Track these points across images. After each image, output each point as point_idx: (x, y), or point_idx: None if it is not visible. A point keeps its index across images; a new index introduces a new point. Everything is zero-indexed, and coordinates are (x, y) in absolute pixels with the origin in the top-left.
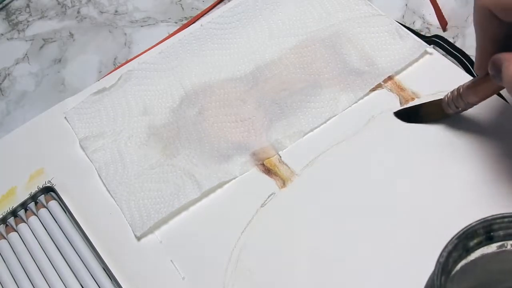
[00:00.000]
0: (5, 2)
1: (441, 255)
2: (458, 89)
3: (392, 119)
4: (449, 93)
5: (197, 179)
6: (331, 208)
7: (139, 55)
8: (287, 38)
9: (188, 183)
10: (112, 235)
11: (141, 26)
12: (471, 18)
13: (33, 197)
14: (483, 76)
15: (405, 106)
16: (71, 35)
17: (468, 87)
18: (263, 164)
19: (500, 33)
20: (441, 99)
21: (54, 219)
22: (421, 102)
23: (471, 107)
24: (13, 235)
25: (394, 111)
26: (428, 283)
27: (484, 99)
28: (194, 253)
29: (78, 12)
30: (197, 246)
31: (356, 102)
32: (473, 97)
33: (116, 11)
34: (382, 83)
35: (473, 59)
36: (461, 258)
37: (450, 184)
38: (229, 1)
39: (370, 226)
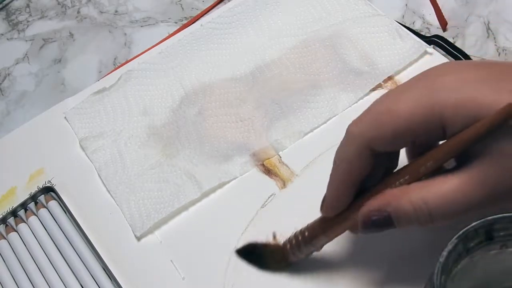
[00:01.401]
0: (5, 2)
1: (441, 254)
2: (302, 233)
3: None
4: (290, 241)
5: (197, 179)
6: None
7: (139, 55)
8: (287, 38)
9: (188, 183)
10: (112, 235)
11: (141, 26)
12: (471, 18)
13: (33, 197)
14: (334, 216)
15: (246, 244)
16: (71, 35)
17: (315, 231)
18: (263, 165)
19: (369, 168)
20: (280, 245)
21: (54, 219)
22: (261, 243)
23: (319, 250)
24: (13, 235)
25: (236, 249)
26: (428, 283)
27: (334, 238)
28: (194, 253)
29: (78, 12)
30: (197, 246)
31: (356, 102)
32: (324, 239)
33: (116, 11)
34: (382, 83)
35: (473, 59)
36: (461, 258)
37: None
38: (229, 1)
39: None
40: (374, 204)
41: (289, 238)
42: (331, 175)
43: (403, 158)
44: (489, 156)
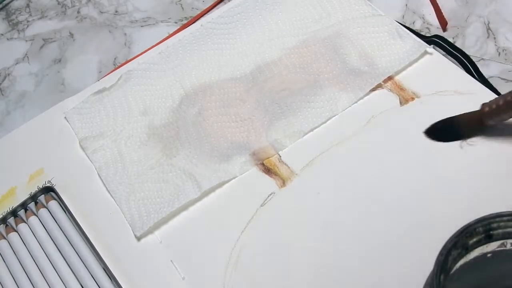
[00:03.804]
0: (5, 2)
1: (440, 253)
2: (505, 97)
3: (392, 119)
4: (490, 104)
5: (197, 179)
6: (330, 208)
7: (139, 55)
8: (287, 38)
9: (188, 183)
10: (112, 235)
11: (141, 26)
12: (471, 18)
13: (33, 197)
14: None
15: (435, 122)
16: (71, 35)
17: None
18: (263, 164)
19: None
20: (479, 110)
21: (54, 219)
22: (453, 116)
23: None
24: (13, 235)
25: (424, 130)
26: (428, 282)
27: None
28: (194, 253)
29: (78, 12)
30: (197, 246)
31: (356, 102)
32: None
33: (116, 11)
34: (382, 83)
35: (473, 59)
36: (460, 256)
37: (450, 183)
38: (229, 1)
39: (369, 225)
40: None
41: (488, 102)
42: None
43: None
44: None
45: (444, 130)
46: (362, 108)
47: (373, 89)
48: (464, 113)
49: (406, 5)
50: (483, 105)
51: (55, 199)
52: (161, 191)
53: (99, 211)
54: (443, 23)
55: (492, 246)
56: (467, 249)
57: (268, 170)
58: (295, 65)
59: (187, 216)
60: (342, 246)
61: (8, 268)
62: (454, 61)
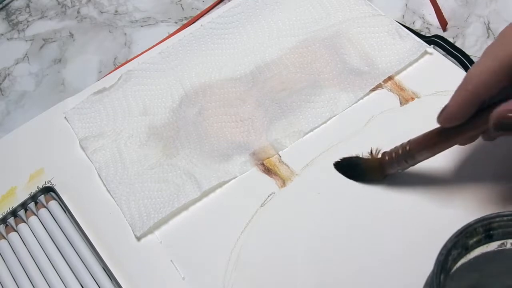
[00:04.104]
0: (5, 2)
1: (440, 253)
2: (403, 147)
3: (392, 119)
4: (389, 153)
5: (197, 179)
6: (330, 208)
7: (139, 55)
8: (287, 38)
9: (188, 183)
10: (112, 235)
11: (141, 26)
12: (471, 18)
13: (33, 197)
14: (442, 130)
15: (344, 157)
16: (71, 35)
17: (421, 142)
18: (263, 164)
19: (499, 88)
20: (379, 158)
21: (54, 219)
22: (359, 157)
23: (414, 165)
24: (13, 235)
25: (333, 162)
26: (428, 281)
27: (438, 153)
28: (194, 253)
29: (78, 12)
30: (197, 246)
31: (356, 102)
32: (427, 154)
33: (116, 11)
34: (382, 83)
35: (473, 59)
36: (460, 256)
37: (449, 183)
38: (229, 1)
39: (369, 225)
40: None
41: (389, 151)
42: (458, 88)
43: None
44: None
45: (349, 169)
46: (362, 108)
47: (373, 89)
48: (368, 159)
49: (406, 5)
50: (383, 153)
51: (55, 199)
52: (161, 191)
53: (99, 211)
54: (443, 23)
55: (492, 246)
56: (467, 249)
57: (268, 170)
58: (295, 65)
59: (187, 216)
60: (342, 246)
61: (8, 268)
62: (454, 61)
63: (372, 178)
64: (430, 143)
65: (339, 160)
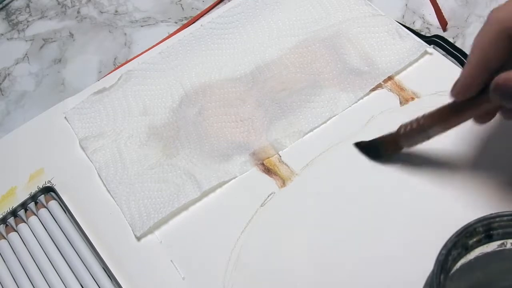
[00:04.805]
0: (5, 2)
1: (440, 253)
2: (417, 121)
3: (392, 119)
4: (405, 126)
5: (197, 179)
6: (331, 208)
7: (139, 55)
8: (287, 38)
9: (188, 183)
10: (112, 235)
11: (141, 26)
12: (471, 18)
13: (33, 197)
14: (455, 104)
15: (365, 140)
16: (71, 35)
17: (435, 117)
18: (263, 164)
19: (505, 55)
20: (396, 132)
21: (54, 219)
22: (377, 137)
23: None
24: (13, 235)
25: (354, 142)
26: (428, 282)
27: (451, 128)
28: (194, 253)
29: (78, 12)
30: (197, 246)
31: (356, 102)
32: (439, 128)
33: (116, 11)
34: (382, 83)
35: None
36: (460, 256)
37: (449, 183)
38: (229, 1)
39: (369, 225)
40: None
41: (405, 124)
42: (468, 58)
43: None
44: None
45: (367, 149)
46: (362, 108)
47: (373, 89)
48: (384, 135)
49: (406, 5)
50: (400, 126)
51: (55, 199)
52: (161, 191)
53: (99, 211)
54: (443, 23)
55: (492, 246)
56: (467, 249)
57: (268, 170)
58: (295, 65)
59: (187, 216)
60: (342, 246)
61: (8, 268)
62: (454, 61)
63: (389, 151)
64: (444, 117)
65: (360, 142)
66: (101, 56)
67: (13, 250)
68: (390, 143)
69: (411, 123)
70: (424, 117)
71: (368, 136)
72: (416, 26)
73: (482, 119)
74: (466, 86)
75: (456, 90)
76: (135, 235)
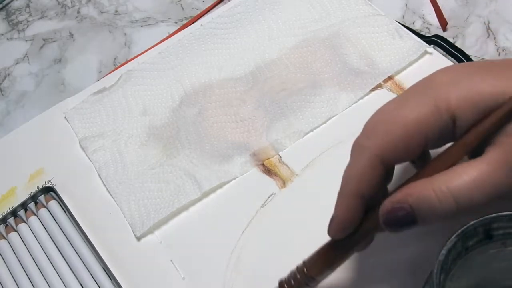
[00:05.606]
0: (5, 2)
1: (440, 253)
2: (300, 271)
3: None
4: (288, 280)
5: (197, 179)
6: (331, 208)
7: (139, 55)
8: (287, 38)
9: (188, 183)
10: (112, 235)
11: (141, 26)
12: (471, 18)
13: (33, 197)
14: (337, 242)
15: None
16: (71, 35)
17: (317, 263)
18: (263, 164)
19: (379, 182)
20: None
21: (54, 219)
22: None
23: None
24: (13, 235)
25: None
26: (427, 281)
27: (337, 267)
28: (194, 253)
29: (78, 12)
30: (197, 246)
31: (356, 102)
32: (327, 271)
33: (116, 11)
34: (382, 83)
35: (473, 59)
36: (460, 256)
37: None
38: (229, 1)
39: None
40: (393, 198)
41: (286, 278)
42: (339, 194)
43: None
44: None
45: None
46: (362, 108)
47: (373, 89)
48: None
49: (406, 5)
50: (280, 283)
51: (55, 199)
52: (161, 191)
53: (99, 211)
54: (443, 23)
55: (492, 246)
56: (467, 249)
57: (268, 171)
58: (295, 65)
59: (187, 216)
60: None
61: (8, 268)
62: (454, 61)
63: None
64: (328, 260)
65: None
66: (101, 56)
67: (13, 250)
68: None
69: (293, 275)
70: (306, 264)
71: None
72: (416, 26)
73: (363, 247)
74: (344, 223)
75: (334, 229)
76: (135, 235)
